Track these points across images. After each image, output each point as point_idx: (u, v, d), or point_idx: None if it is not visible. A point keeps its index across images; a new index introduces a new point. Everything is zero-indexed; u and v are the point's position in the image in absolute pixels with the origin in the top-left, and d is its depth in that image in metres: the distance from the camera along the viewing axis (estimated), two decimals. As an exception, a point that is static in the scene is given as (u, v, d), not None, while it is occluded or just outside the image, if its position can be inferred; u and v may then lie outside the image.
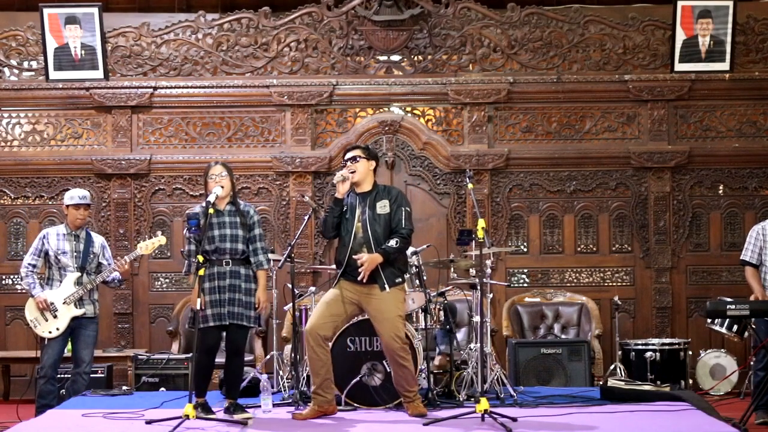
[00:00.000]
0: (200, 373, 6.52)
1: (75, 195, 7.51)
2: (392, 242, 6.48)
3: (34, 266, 7.43)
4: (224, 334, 6.60)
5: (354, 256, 6.49)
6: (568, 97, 9.68)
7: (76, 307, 7.36)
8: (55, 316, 7.32)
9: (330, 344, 6.65)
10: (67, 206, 7.50)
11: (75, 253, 7.42)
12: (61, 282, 7.38)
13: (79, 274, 7.40)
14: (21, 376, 9.36)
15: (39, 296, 7.31)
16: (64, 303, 7.33)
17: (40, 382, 7.33)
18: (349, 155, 6.70)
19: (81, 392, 7.43)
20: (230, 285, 6.51)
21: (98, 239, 7.64)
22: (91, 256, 7.48)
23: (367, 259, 6.44)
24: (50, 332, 7.32)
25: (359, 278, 6.45)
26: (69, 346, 7.53)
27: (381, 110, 9.79)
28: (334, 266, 7.06)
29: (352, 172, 6.59)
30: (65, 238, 7.45)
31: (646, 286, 9.61)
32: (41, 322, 7.33)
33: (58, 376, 7.56)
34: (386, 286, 6.48)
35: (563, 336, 9.17)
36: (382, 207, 6.57)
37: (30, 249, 7.54)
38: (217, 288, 6.48)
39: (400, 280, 6.59)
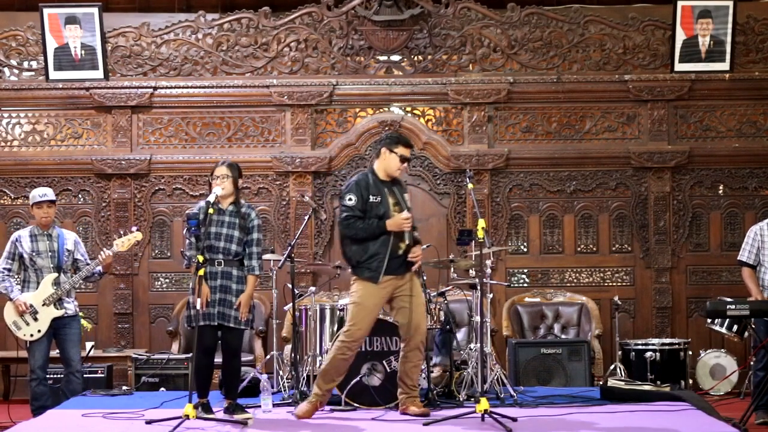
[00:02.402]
0: (200, 373, 6.52)
1: (36, 194, 7.45)
2: (416, 233, 6.66)
3: (9, 270, 7.35)
4: (220, 333, 6.59)
5: (410, 256, 6.53)
6: (568, 97, 9.68)
7: (56, 308, 7.30)
8: (35, 319, 7.26)
9: None
10: (32, 206, 7.43)
11: (50, 253, 7.35)
12: (38, 284, 7.31)
13: (57, 274, 7.33)
14: (21, 376, 9.35)
15: (18, 299, 7.23)
16: (43, 305, 7.27)
17: (32, 385, 7.31)
18: (406, 154, 6.69)
19: (77, 391, 7.40)
20: (221, 285, 6.49)
21: (71, 236, 7.58)
22: (66, 254, 7.41)
23: (420, 254, 6.62)
24: (32, 335, 7.26)
25: (414, 268, 6.58)
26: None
27: (381, 110, 9.78)
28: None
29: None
30: (38, 238, 7.38)
31: (646, 286, 9.61)
32: (21, 325, 7.26)
33: (50, 377, 7.55)
34: (423, 276, 6.80)
35: (563, 336, 9.17)
36: (409, 199, 6.72)
37: (3, 254, 7.45)
38: (210, 289, 6.46)
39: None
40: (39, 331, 7.27)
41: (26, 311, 7.23)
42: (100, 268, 7.43)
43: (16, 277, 7.37)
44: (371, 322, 6.53)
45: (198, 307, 6.30)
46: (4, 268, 7.37)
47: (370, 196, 6.48)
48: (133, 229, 7.60)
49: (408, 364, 6.57)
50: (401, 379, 6.62)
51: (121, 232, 7.61)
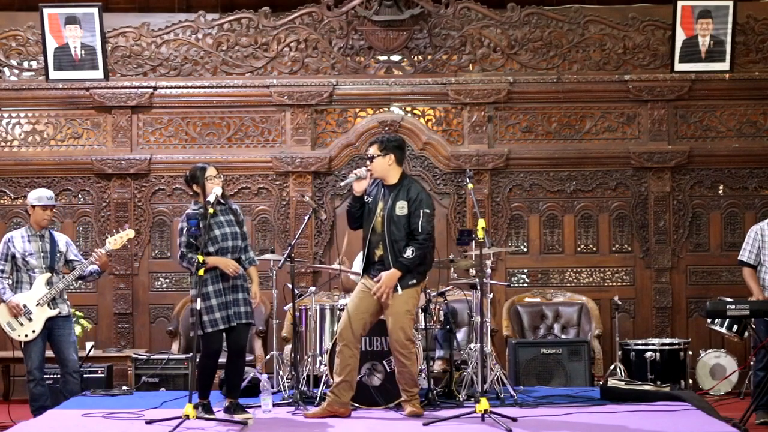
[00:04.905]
0: (206, 375, 6.54)
1: (43, 195, 7.43)
2: (408, 252, 6.42)
3: (2, 271, 7.32)
4: (224, 334, 6.60)
5: (374, 279, 6.50)
6: (568, 97, 9.68)
7: (50, 308, 7.29)
8: (29, 319, 7.24)
9: (359, 343, 6.63)
10: (33, 206, 7.40)
11: (42, 254, 7.35)
12: (30, 284, 7.30)
13: (49, 274, 7.33)
14: (20, 376, 9.34)
15: (11, 301, 7.22)
16: (37, 305, 7.26)
17: (31, 386, 7.29)
18: (368, 152, 6.69)
19: (75, 391, 7.39)
20: (233, 285, 6.52)
21: (62, 237, 7.58)
22: (58, 254, 7.41)
23: (384, 282, 6.42)
24: (26, 336, 7.25)
25: (383, 299, 6.45)
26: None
27: (381, 110, 9.79)
28: (335, 265, 7.08)
29: (368, 170, 6.61)
30: (30, 239, 7.37)
31: (646, 286, 9.61)
32: (16, 326, 7.25)
33: (48, 377, 7.54)
34: (399, 288, 6.46)
35: (563, 336, 9.17)
36: (401, 208, 6.49)
37: None
38: (222, 290, 6.48)
39: (414, 282, 6.51)
40: (33, 331, 7.26)
41: (20, 313, 7.22)
42: (96, 267, 7.42)
43: (8, 278, 7.34)
44: (350, 312, 6.54)
45: (198, 307, 6.28)
46: None
47: (367, 196, 6.63)
48: (126, 226, 7.59)
49: (395, 370, 6.64)
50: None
51: (114, 231, 7.60)
